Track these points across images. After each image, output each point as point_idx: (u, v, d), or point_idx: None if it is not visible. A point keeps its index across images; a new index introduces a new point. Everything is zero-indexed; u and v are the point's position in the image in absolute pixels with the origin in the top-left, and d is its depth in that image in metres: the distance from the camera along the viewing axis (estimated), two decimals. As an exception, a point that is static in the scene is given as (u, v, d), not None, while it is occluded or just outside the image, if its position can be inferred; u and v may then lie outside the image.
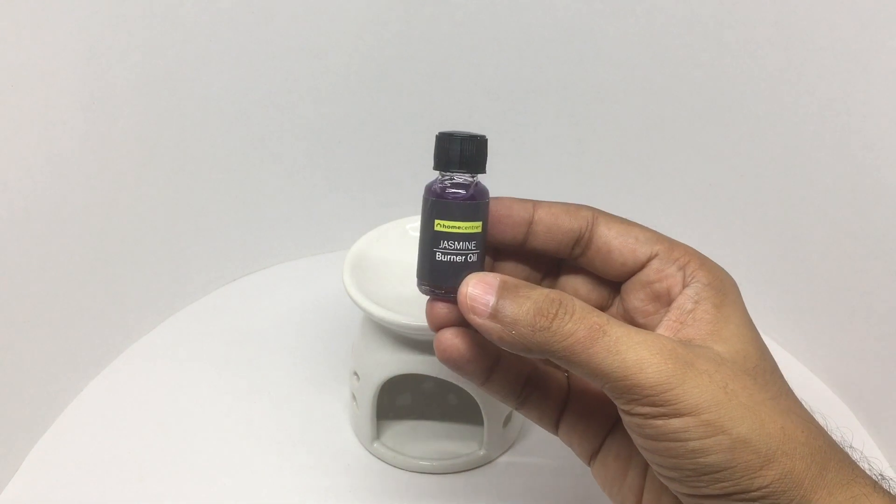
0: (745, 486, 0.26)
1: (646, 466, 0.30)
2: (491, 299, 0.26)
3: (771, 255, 0.50)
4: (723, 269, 0.29)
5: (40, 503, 0.41)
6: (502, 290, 0.26)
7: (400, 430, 0.44)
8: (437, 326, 0.29)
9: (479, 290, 0.26)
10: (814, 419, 0.27)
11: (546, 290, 0.26)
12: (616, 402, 0.26)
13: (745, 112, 0.49)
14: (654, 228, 0.31)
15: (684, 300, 0.29)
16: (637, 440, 0.27)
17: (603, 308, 0.31)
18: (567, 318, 0.26)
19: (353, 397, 0.43)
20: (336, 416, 0.46)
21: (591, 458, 0.31)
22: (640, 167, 0.55)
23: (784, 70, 0.46)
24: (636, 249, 0.30)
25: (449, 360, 0.29)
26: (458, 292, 0.27)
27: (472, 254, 0.28)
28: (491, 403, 0.41)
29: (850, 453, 0.27)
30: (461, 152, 0.28)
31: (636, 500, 0.30)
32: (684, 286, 0.29)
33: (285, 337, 0.52)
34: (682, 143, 0.52)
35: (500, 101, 0.54)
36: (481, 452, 0.43)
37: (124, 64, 0.46)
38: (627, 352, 0.25)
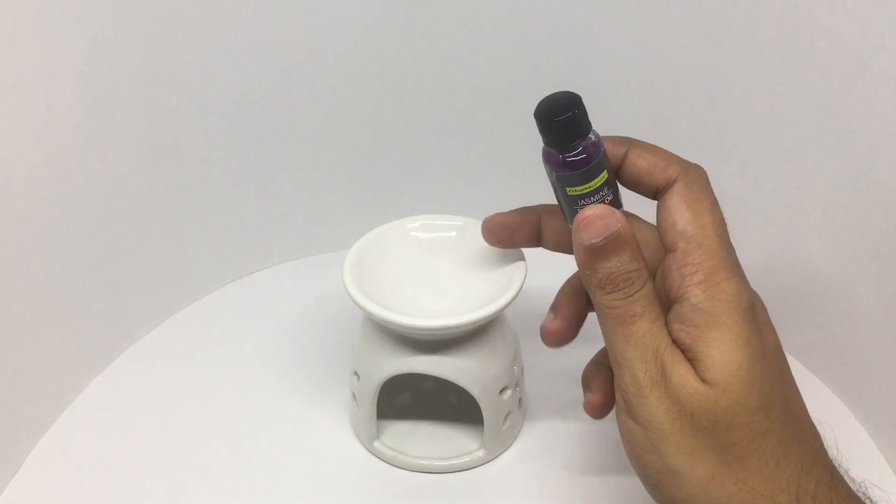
0: None
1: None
2: (597, 238, 0.29)
3: (770, 255, 0.50)
4: (729, 286, 0.28)
5: (40, 503, 0.41)
6: (612, 240, 0.29)
7: (400, 430, 0.44)
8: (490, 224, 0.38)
9: (598, 224, 0.29)
10: (776, 471, 0.26)
11: (629, 264, 0.29)
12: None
13: (744, 112, 0.49)
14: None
15: (672, 317, 0.29)
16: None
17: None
18: (622, 294, 0.29)
19: (353, 397, 0.43)
20: (336, 416, 0.46)
21: None
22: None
23: (784, 70, 0.46)
24: (666, 233, 0.30)
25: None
26: (583, 213, 0.30)
27: (607, 196, 0.31)
28: (491, 403, 0.41)
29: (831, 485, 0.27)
30: (565, 127, 0.29)
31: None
32: (675, 300, 0.29)
33: (285, 337, 0.52)
34: (681, 143, 0.52)
35: (501, 101, 0.54)
36: (481, 452, 0.43)
37: (125, 64, 0.46)
38: (632, 348, 0.28)
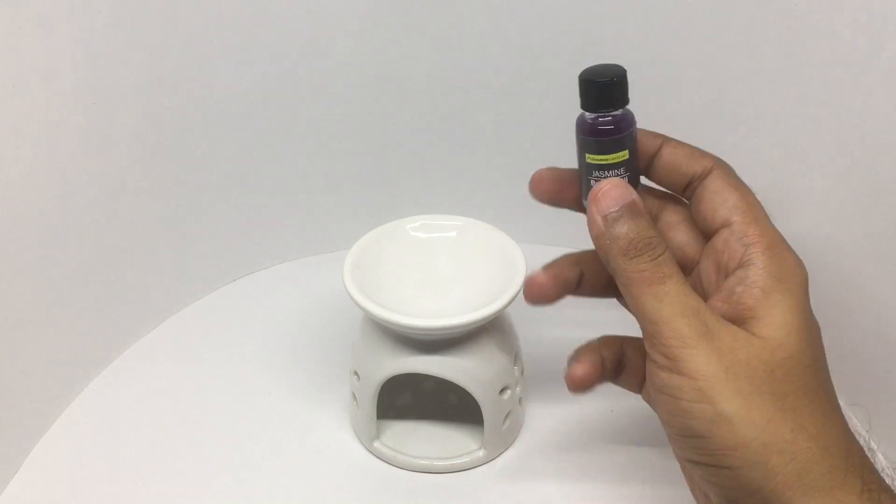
0: (717, 461, 0.28)
1: None
2: (614, 208, 0.30)
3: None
4: (791, 258, 0.30)
5: (40, 503, 0.41)
6: (628, 208, 0.30)
7: (400, 430, 0.44)
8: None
9: (614, 193, 0.30)
10: (827, 426, 0.27)
11: (648, 230, 0.30)
12: (644, 343, 0.30)
13: (744, 112, 0.49)
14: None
15: (734, 281, 0.30)
16: (649, 387, 0.30)
17: (690, 261, 0.33)
18: (647, 257, 0.29)
19: (353, 397, 0.43)
20: (336, 416, 0.46)
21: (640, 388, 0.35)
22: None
23: (784, 69, 0.46)
24: (716, 211, 0.31)
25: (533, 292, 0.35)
26: (599, 185, 0.31)
27: (623, 176, 0.31)
28: (491, 403, 0.41)
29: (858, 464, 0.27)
30: (601, 93, 0.30)
31: None
32: (739, 266, 0.30)
33: (285, 337, 0.52)
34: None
35: (501, 100, 0.54)
36: (481, 452, 0.43)
37: (125, 64, 0.46)
38: (668, 305, 0.28)
